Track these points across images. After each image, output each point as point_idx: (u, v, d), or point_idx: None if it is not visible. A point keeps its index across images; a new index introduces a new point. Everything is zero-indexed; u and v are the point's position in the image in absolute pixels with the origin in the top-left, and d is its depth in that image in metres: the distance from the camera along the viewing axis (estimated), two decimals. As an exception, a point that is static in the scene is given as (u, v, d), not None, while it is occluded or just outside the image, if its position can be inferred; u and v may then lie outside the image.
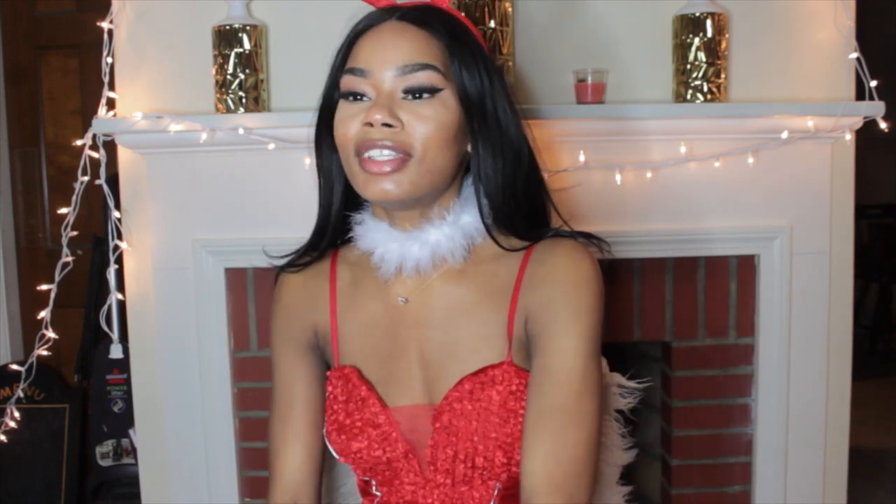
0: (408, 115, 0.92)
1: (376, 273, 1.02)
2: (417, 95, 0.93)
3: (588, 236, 1.04)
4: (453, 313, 1.00)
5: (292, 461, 1.06)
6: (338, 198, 1.03)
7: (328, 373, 1.06)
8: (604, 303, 0.98)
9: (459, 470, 0.98)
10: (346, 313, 1.06)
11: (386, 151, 0.91)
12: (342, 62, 0.98)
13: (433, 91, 0.93)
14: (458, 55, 0.94)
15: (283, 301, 1.10)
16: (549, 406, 0.92)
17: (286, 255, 1.11)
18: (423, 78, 0.92)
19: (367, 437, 1.00)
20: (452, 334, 1.00)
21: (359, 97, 0.94)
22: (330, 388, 1.05)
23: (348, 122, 0.94)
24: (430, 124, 0.92)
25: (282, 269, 1.11)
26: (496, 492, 1.00)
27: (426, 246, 0.98)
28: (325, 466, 1.11)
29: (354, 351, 1.04)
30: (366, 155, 0.92)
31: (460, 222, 1.00)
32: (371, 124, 0.91)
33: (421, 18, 0.95)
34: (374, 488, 1.06)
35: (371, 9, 1.01)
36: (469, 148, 0.99)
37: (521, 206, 1.00)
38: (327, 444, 1.05)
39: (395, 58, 0.92)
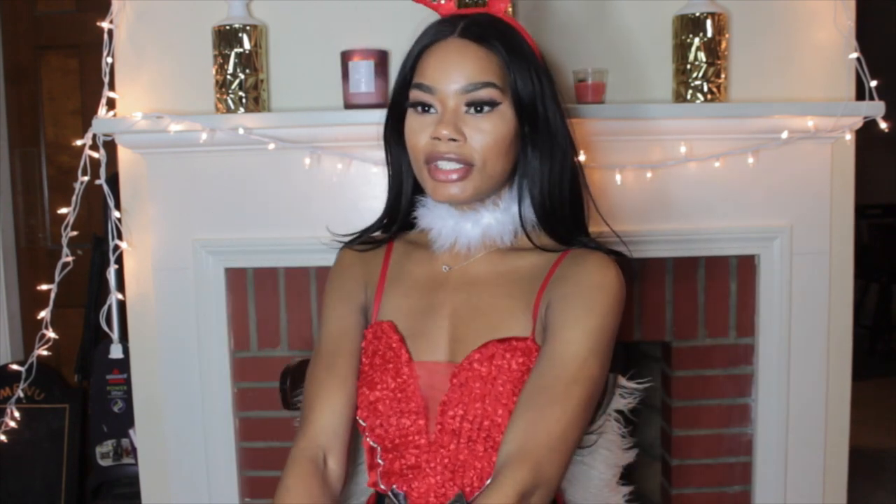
0: (470, 129, 1.03)
1: (431, 246, 1.14)
2: (479, 109, 1.04)
3: (620, 255, 1.13)
4: (490, 285, 1.10)
5: (330, 407, 1.09)
6: (408, 188, 1.16)
7: (364, 331, 1.14)
8: (621, 311, 1.06)
9: (465, 430, 1.03)
10: (393, 279, 1.16)
11: (451, 163, 1.03)
12: (410, 72, 1.08)
13: (493, 105, 1.04)
14: (515, 69, 1.05)
15: (342, 264, 1.20)
16: (539, 386, 1.00)
17: (351, 234, 1.22)
18: (484, 95, 1.03)
19: (385, 387, 1.07)
20: (486, 300, 1.09)
21: (427, 109, 1.06)
22: (364, 344, 1.13)
23: (418, 134, 1.06)
24: (489, 137, 1.03)
25: (347, 245, 1.21)
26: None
27: (478, 226, 1.11)
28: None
29: (393, 309, 1.13)
30: (434, 164, 1.04)
31: (511, 210, 1.11)
32: (439, 138, 1.03)
33: (481, 36, 1.05)
34: (378, 457, 1.10)
35: (434, 15, 1.10)
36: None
37: (564, 207, 1.10)
38: None
39: (459, 77, 1.03)
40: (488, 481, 1.01)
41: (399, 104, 1.10)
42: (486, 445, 1.03)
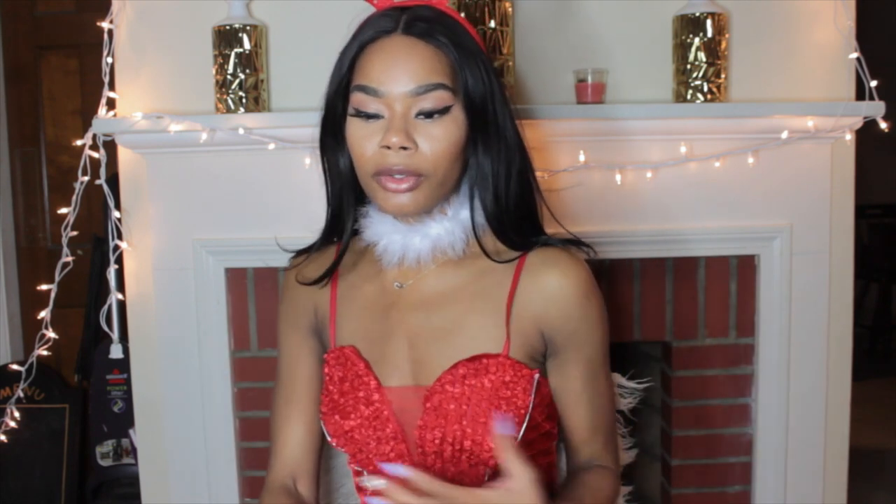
0: (421, 136, 0.96)
1: (378, 261, 1.07)
2: (429, 116, 0.96)
3: (576, 243, 1.08)
4: (447, 300, 1.04)
5: (293, 438, 1.12)
6: (347, 197, 1.07)
7: (325, 355, 1.09)
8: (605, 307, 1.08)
9: (447, 452, 1.00)
10: (345, 297, 1.10)
11: (403, 174, 0.96)
12: (348, 72, 1.00)
13: (445, 110, 0.97)
14: (466, 68, 0.98)
15: (288, 286, 1.15)
16: (579, 402, 1.07)
17: (301, 250, 1.16)
18: (436, 99, 0.96)
19: (359, 416, 1.03)
20: (444, 319, 1.04)
21: (372, 116, 0.97)
22: (326, 370, 1.08)
23: (364, 142, 0.98)
24: (441, 143, 0.97)
25: (296, 255, 1.16)
26: (487, 478, 1.01)
27: (427, 238, 1.03)
28: (323, 447, 1.16)
29: (350, 333, 1.08)
30: (382, 176, 0.97)
31: (459, 217, 1.04)
32: (389, 147, 0.95)
33: (427, 32, 0.97)
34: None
35: (371, 8, 1.03)
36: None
37: (512, 210, 1.03)
38: (322, 426, 1.08)
39: (407, 78, 0.96)
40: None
41: (335, 108, 1.02)
42: (471, 462, 1.01)
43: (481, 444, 0.99)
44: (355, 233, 1.09)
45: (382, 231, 1.05)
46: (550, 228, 1.13)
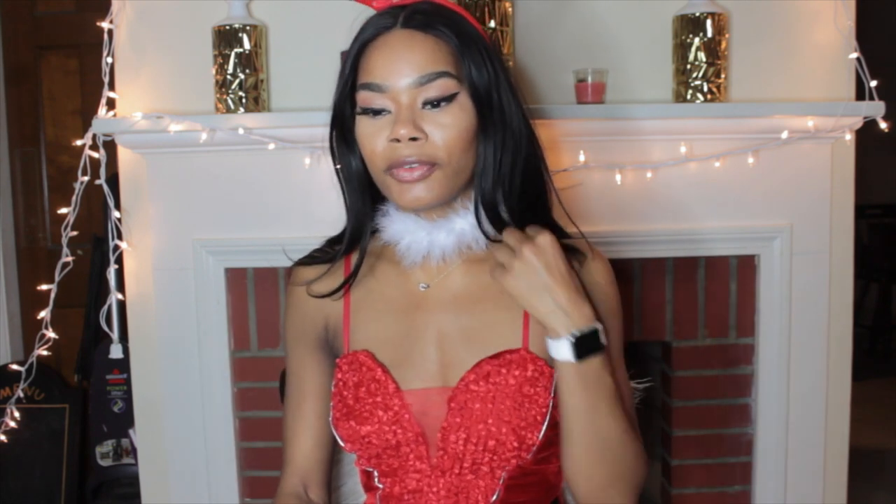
0: (429, 125, 0.95)
1: (399, 261, 1.05)
2: (436, 104, 0.96)
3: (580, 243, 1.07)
4: (474, 299, 1.03)
5: (303, 446, 1.11)
6: (365, 200, 1.06)
7: (337, 360, 1.07)
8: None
9: (469, 454, 0.99)
10: (361, 302, 1.08)
11: (415, 164, 0.95)
12: (352, 72, 1.00)
13: (450, 98, 0.96)
14: (468, 55, 0.97)
15: (294, 297, 1.12)
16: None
17: (305, 259, 1.13)
18: (440, 87, 0.95)
19: (377, 420, 1.01)
20: (474, 318, 1.03)
21: (379, 112, 0.97)
22: (339, 375, 1.06)
23: (373, 139, 0.97)
24: (450, 131, 0.96)
25: (298, 264, 1.13)
26: (501, 481, 1.01)
27: (452, 234, 1.02)
28: (334, 454, 1.15)
29: (367, 337, 1.06)
30: (395, 169, 0.96)
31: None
32: (398, 139, 0.94)
33: (427, 24, 0.97)
34: (376, 480, 1.06)
35: (371, 11, 1.02)
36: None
37: (513, 200, 1.02)
38: (333, 432, 1.06)
39: (409, 70, 0.95)
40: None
41: (343, 112, 1.01)
42: (491, 465, 1.00)
43: (505, 443, 0.98)
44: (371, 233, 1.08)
45: (404, 229, 1.03)
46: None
